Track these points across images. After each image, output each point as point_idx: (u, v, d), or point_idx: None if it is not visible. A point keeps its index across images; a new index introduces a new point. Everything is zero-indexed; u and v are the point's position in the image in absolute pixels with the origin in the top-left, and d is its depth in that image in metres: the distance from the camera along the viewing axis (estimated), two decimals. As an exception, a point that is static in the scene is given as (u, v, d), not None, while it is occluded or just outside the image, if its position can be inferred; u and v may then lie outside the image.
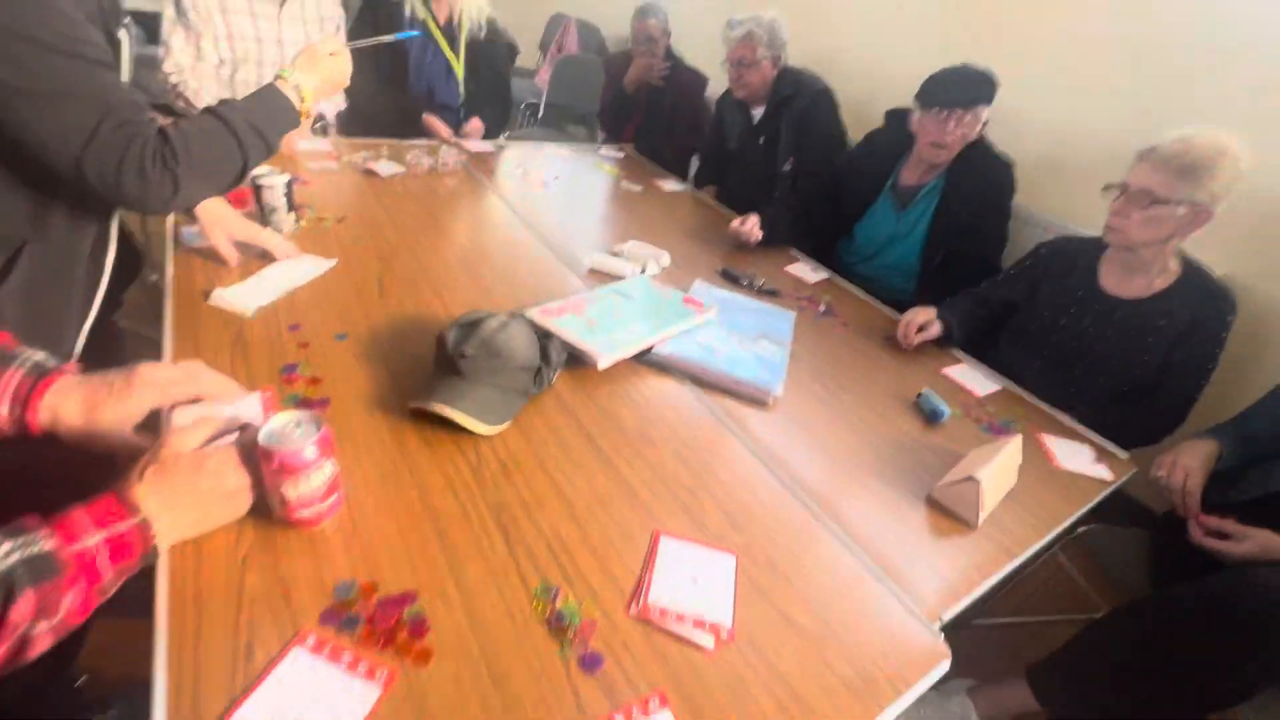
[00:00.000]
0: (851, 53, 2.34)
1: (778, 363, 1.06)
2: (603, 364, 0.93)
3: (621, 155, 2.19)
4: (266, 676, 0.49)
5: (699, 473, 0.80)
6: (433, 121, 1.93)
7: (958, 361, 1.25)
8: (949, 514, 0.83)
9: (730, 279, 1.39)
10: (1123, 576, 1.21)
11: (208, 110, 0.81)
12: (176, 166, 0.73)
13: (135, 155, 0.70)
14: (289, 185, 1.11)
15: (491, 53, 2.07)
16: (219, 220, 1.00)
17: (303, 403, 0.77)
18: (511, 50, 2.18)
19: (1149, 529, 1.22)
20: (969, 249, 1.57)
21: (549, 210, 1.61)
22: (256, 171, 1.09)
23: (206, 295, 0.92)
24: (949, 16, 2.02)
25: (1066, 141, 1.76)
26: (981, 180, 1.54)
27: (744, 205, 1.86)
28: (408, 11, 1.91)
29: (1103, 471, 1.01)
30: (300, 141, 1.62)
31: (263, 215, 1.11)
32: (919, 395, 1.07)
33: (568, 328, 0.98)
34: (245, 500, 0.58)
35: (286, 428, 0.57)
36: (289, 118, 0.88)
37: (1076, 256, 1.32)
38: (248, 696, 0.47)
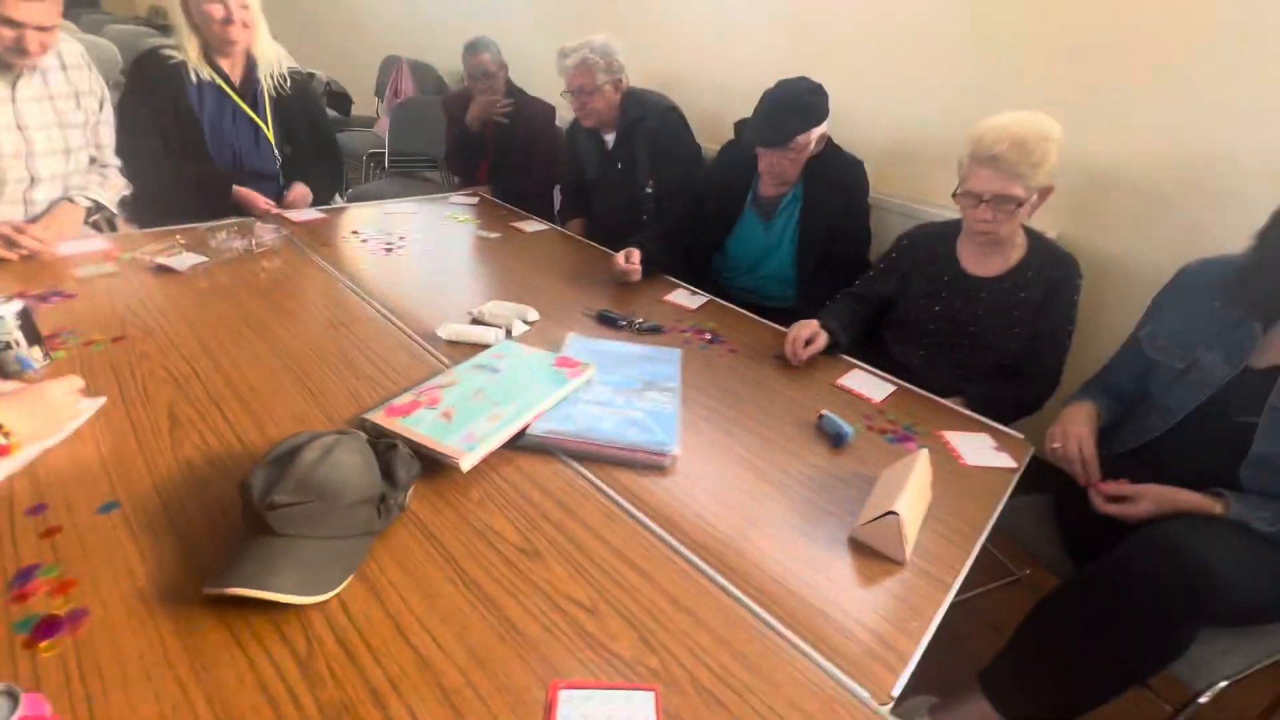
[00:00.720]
0: (694, 67, 2.35)
1: (669, 414, 0.96)
2: (466, 465, 0.78)
3: (475, 201, 2.04)
4: None
5: (597, 580, 0.68)
6: (245, 193, 1.68)
7: (850, 368, 1.22)
8: (874, 554, 0.77)
9: (608, 322, 1.29)
10: (1032, 540, 1.22)
11: None
12: None
13: None
14: (22, 313, 0.86)
15: (304, 107, 1.85)
16: None
17: (43, 625, 0.56)
18: (340, 99, 1.96)
19: (1047, 490, 1.25)
20: (839, 250, 1.58)
21: (398, 279, 1.43)
22: (-27, 303, 0.84)
23: (-100, 490, 0.68)
24: (786, 26, 2.07)
25: (907, 130, 1.84)
26: (837, 182, 1.55)
27: (613, 232, 1.78)
28: (192, 75, 1.65)
29: (1005, 459, 1.00)
30: (62, 244, 1.33)
31: (-9, 359, 0.85)
32: (820, 418, 1.02)
33: (419, 427, 0.83)
34: None
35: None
36: None
37: (935, 244, 1.34)
38: None
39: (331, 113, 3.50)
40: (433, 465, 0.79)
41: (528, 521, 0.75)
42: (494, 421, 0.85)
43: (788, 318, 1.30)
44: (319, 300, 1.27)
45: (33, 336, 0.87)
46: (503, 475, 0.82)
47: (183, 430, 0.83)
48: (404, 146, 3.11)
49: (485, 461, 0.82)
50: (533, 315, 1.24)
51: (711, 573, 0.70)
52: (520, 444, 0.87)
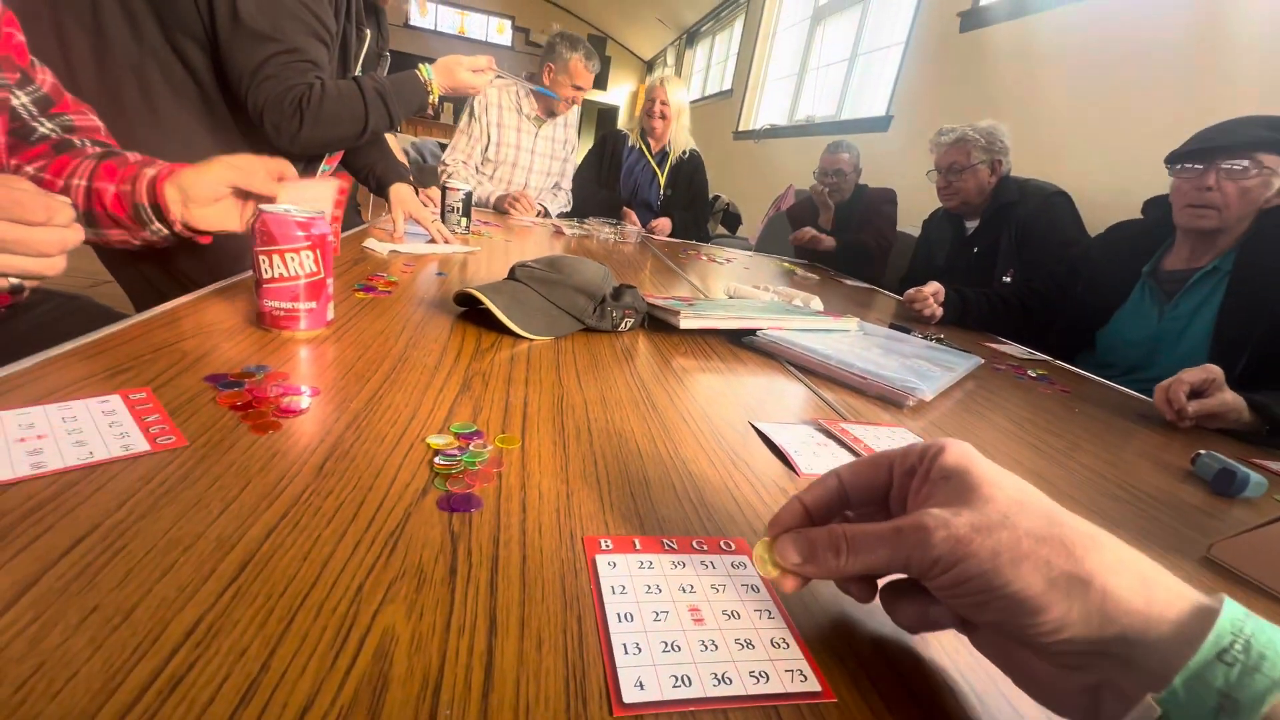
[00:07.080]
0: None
1: (935, 375, 0.76)
2: (684, 324, 0.77)
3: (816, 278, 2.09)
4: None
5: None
6: (629, 213, 2.16)
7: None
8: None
9: (899, 330, 1.12)
10: None
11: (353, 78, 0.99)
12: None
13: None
14: (468, 196, 1.26)
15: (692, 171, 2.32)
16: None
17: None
18: (731, 218, 2.44)
19: None
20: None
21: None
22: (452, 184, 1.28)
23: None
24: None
25: None
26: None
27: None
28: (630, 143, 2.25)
29: None
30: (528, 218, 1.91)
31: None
32: (1195, 459, 0.65)
33: (661, 301, 0.86)
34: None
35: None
36: (419, 99, 1.05)
37: None
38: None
39: (721, 230, 4.18)
40: (659, 326, 0.80)
41: (736, 395, 0.68)
42: (728, 314, 0.82)
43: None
44: (636, 258, 1.48)
45: (467, 212, 1.27)
46: (718, 354, 0.77)
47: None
48: (767, 249, 3.48)
49: (705, 341, 0.79)
50: (817, 304, 1.18)
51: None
52: (747, 342, 0.81)
